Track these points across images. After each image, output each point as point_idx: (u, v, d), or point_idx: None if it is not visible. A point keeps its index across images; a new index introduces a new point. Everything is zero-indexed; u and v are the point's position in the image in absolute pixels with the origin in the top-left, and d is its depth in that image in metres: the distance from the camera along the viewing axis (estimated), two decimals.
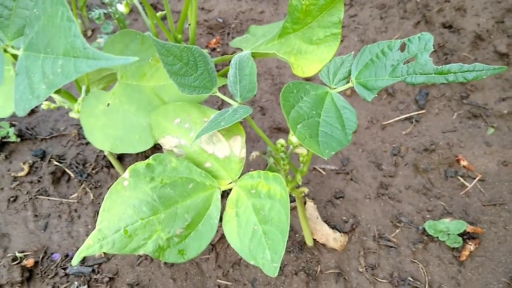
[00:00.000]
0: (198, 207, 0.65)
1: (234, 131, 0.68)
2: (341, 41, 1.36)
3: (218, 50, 1.43)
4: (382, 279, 0.91)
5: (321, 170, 1.09)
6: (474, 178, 1.02)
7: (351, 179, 1.07)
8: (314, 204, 1.01)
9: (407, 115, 1.17)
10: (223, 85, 0.80)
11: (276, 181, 0.63)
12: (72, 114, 0.86)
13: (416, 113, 1.17)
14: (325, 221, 0.99)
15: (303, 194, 0.87)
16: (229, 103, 0.68)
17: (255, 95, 1.26)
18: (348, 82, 0.71)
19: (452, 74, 0.64)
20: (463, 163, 1.04)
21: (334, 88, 0.71)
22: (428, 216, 0.98)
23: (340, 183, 1.06)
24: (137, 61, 0.81)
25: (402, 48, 0.67)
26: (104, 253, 1.03)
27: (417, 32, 1.29)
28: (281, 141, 0.75)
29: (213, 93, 0.69)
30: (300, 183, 0.81)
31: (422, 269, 0.91)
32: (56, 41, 0.53)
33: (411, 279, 0.90)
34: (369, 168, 1.08)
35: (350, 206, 1.02)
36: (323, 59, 0.72)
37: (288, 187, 0.82)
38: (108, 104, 0.81)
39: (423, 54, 0.65)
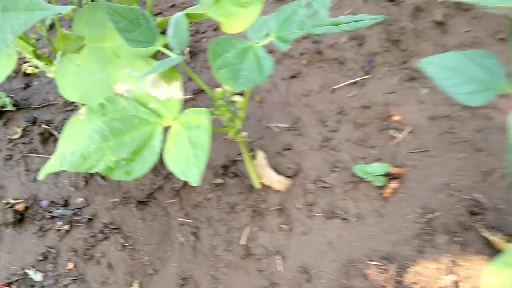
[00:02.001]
0: (143, 138, 0.81)
1: (172, 77, 0.84)
2: None
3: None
4: (317, 213, 1.06)
5: (273, 128, 1.24)
6: (405, 131, 1.17)
7: (299, 135, 1.22)
8: (264, 154, 1.16)
9: (354, 80, 1.31)
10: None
11: (203, 114, 0.78)
12: (49, 74, 1.02)
13: (362, 78, 1.31)
14: (272, 168, 1.14)
15: (245, 139, 1.01)
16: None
17: None
18: (269, 37, 0.86)
19: (345, 24, 0.79)
20: (396, 118, 1.18)
21: (258, 43, 0.86)
22: (361, 162, 1.13)
23: (290, 138, 1.22)
24: (100, 27, 0.97)
25: (308, 5, 0.82)
26: (85, 199, 1.19)
27: (366, 7, 1.43)
28: (219, 89, 0.90)
29: (157, 47, 0.85)
30: (240, 128, 0.96)
31: (351, 204, 1.06)
32: (20, 1, 0.69)
33: (341, 212, 1.05)
34: (316, 125, 1.23)
35: (296, 156, 1.17)
36: (250, 19, 0.87)
37: (231, 133, 0.98)
38: (78, 64, 0.97)
39: (322, 10, 0.80)
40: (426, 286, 0.91)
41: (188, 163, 0.77)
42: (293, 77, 1.36)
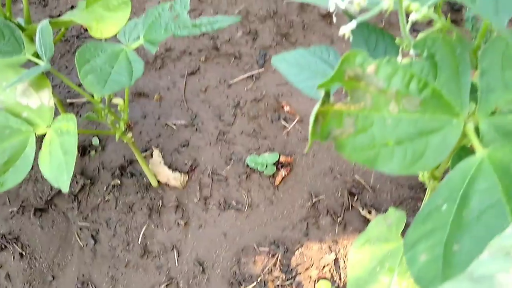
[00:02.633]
0: (15, 148, 0.81)
1: (42, 85, 0.84)
2: (200, 14, 1.53)
3: None
4: (213, 206, 1.10)
5: (172, 126, 1.27)
6: (295, 120, 1.22)
7: (197, 130, 1.25)
8: (160, 152, 1.18)
9: (250, 73, 1.35)
10: None
11: (70, 120, 0.80)
12: None
13: (257, 71, 1.36)
14: (169, 166, 1.17)
15: (133, 140, 1.03)
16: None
17: None
18: (139, 40, 0.88)
19: (203, 25, 0.82)
20: (287, 108, 1.24)
21: (130, 46, 0.88)
22: (255, 153, 1.17)
23: (187, 134, 1.24)
24: None
25: (171, 8, 0.85)
26: None
27: (259, 2, 1.48)
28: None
29: (25, 56, 0.84)
30: (124, 130, 0.98)
31: (245, 194, 1.11)
32: None
33: (235, 203, 1.10)
34: (213, 120, 1.27)
35: (192, 152, 1.20)
36: (119, 23, 0.89)
37: (117, 134, 0.99)
38: None
39: (183, 12, 0.83)
40: (310, 267, 0.98)
41: (60, 169, 0.78)
42: (191, 73, 1.39)
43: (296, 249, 1.01)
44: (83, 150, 1.21)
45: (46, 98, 0.84)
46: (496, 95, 0.51)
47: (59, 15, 1.63)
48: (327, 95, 0.51)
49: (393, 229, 0.80)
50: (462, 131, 0.52)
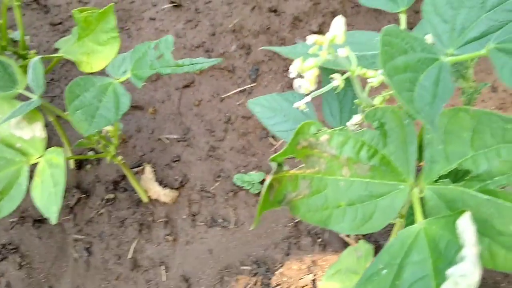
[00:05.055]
0: (9, 178, 0.87)
1: (34, 118, 0.89)
2: (196, 26, 1.56)
3: None
4: (200, 222, 1.16)
5: (164, 140, 1.32)
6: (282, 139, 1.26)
7: (188, 145, 1.29)
8: (152, 168, 1.24)
9: (242, 88, 1.39)
10: None
11: (58, 153, 0.85)
12: None
13: (249, 86, 1.39)
14: (161, 181, 1.22)
15: (123, 162, 1.08)
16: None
17: None
18: (126, 73, 0.92)
19: (186, 66, 0.86)
20: None
21: (118, 79, 0.92)
22: (243, 170, 1.22)
23: (179, 149, 1.29)
24: None
25: (156, 47, 0.89)
26: None
27: (252, 16, 1.50)
28: None
29: (18, 91, 0.90)
30: (114, 153, 1.03)
31: (231, 212, 1.16)
32: None
33: (221, 220, 1.15)
34: (204, 135, 1.31)
35: (183, 167, 1.25)
36: (109, 57, 0.93)
37: (108, 157, 1.04)
38: None
39: (167, 52, 0.87)
40: (289, 287, 1.03)
41: (50, 200, 0.84)
42: (186, 86, 1.43)
43: (277, 269, 1.06)
44: (79, 163, 1.27)
45: (38, 130, 0.89)
46: (439, 166, 0.55)
47: (59, 23, 1.67)
48: (280, 165, 0.56)
49: (362, 262, 0.85)
50: (408, 196, 0.57)
